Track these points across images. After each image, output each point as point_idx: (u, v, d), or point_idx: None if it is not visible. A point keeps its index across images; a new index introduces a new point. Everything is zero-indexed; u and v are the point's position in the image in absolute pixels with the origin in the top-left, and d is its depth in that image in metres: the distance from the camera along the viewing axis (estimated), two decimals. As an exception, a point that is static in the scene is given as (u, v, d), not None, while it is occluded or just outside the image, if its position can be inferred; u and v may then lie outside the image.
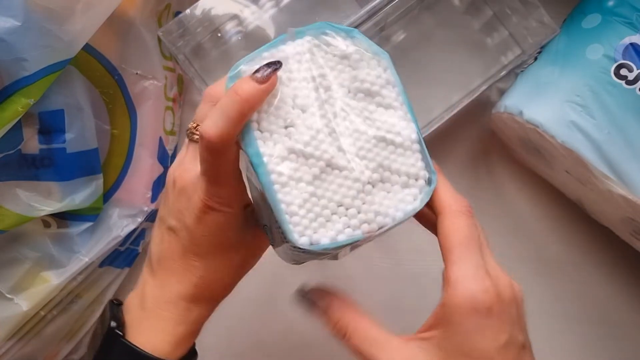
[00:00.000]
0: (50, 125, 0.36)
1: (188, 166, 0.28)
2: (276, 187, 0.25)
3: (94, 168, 0.39)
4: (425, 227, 0.31)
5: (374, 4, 0.40)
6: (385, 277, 0.45)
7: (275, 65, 0.26)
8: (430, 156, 0.30)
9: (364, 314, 0.28)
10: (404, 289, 0.45)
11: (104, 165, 0.40)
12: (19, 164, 0.36)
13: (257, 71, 0.26)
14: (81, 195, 0.38)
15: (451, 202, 0.27)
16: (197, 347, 0.36)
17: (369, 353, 0.26)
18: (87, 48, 0.38)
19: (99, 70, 0.39)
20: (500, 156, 0.46)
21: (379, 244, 0.46)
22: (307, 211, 0.25)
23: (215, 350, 0.45)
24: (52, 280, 0.38)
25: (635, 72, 0.35)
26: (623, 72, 0.36)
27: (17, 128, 0.35)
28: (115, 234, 0.40)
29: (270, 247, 0.32)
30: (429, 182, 0.28)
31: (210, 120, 0.24)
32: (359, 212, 0.26)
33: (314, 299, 0.30)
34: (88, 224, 0.40)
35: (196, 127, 0.29)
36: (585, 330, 0.45)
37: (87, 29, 0.35)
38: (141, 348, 0.27)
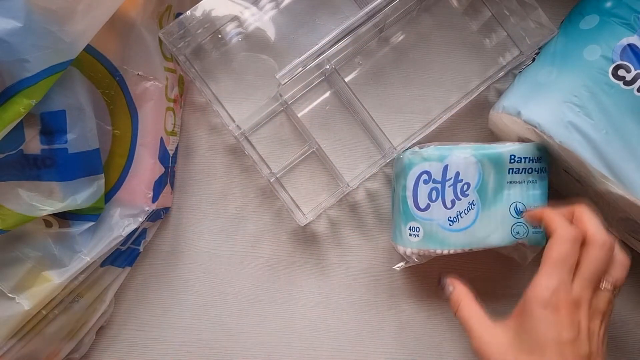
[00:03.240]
0: (51, 125, 0.36)
1: None
2: None
3: (96, 168, 0.39)
4: None
5: (373, 5, 0.40)
6: (384, 276, 0.46)
7: None
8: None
9: (474, 298, 0.36)
10: (403, 288, 0.46)
11: (106, 166, 0.41)
12: (21, 164, 0.36)
13: None
14: (83, 195, 0.38)
15: (559, 227, 0.33)
16: (196, 347, 0.36)
17: (469, 324, 0.35)
18: (89, 49, 0.38)
19: (100, 71, 0.39)
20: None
21: (379, 244, 0.46)
22: None
23: (216, 348, 0.45)
24: (53, 280, 0.38)
25: (633, 72, 0.36)
26: (621, 72, 0.36)
27: (19, 128, 0.35)
28: (117, 234, 0.40)
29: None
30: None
31: None
32: None
33: (446, 283, 0.38)
34: (89, 224, 0.40)
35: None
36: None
37: (89, 30, 0.35)
38: None
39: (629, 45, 0.36)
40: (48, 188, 0.37)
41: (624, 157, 0.35)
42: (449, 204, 0.39)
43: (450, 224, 0.39)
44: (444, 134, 0.46)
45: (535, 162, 0.39)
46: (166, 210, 0.46)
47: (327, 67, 0.44)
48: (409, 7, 0.45)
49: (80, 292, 0.41)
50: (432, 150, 0.39)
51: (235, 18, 0.45)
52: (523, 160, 0.39)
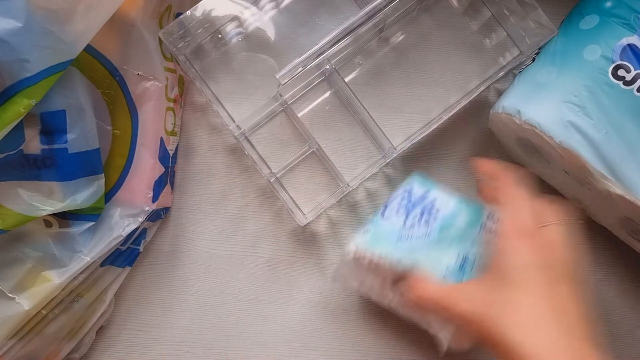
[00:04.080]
0: (51, 125, 0.36)
1: None
2: None
3: (96, 168, 0.39)
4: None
5: (373, 5, 0.40)
6: (385, 276, 0.46)
7: None
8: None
9: (429, 280, 0.35)
10: (403, 288, 0.46)
11: (106, 166, 0.41)
12: (21, 164, 0.36)
13: None
14: (83, 195, 0.38)
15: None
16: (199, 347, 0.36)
17: (436, 299, 0.33)
18: (89, 49, 0.38)
19: (100, 71, 0.39)
20: (499, 157, 0.46)
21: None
22: None
23: (216, 348, 0.45)
24: (53, 280, 0.38)
25: (633, 72, 0.36)
26: (621, 72, 0.36)
27: (19, 128, 0.35)
28: (117, 234, 0.40)
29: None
30: None
31: None
32: None
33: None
34: (89, 224, 0.40)
35: None
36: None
37: (89, 30, 0.35)
38: None
39: (628, 45, 0.36)
40: (48, 188, 0.37)
41: (623, 157, 0.35)
42: (408, 223, 0.38)
43: (398, 238, 0.38)
44: (444, 134, 0.46)
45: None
46: (166, 210, 0.46)
47: (327, 67, 0.44)
48: (409, 7, 0.45)
49: (80, 292, 0.41)
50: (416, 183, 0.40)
51: (235, 18, 0.45)
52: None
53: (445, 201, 0.38)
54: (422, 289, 0.34)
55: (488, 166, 0.37)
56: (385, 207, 0.39)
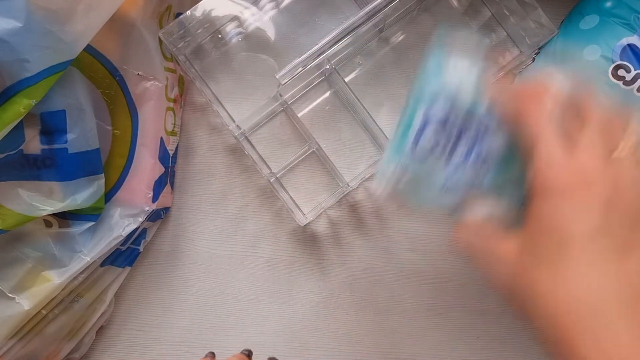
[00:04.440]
0: (51, 125, 0.36)
1: None
2: None
3: (96, 168, 0.39)
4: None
5: (373, 5, 0.40)
6: (384, 276, 0.46)
7: None
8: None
9: (472, 223, 0.28)
10: (403, 288, 0.46)
11: (106, 166, 0.41)
12: (21, 164, 0.36)
13: None
14: (83, 195, 0.38)
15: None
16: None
17: (473, 250, 0.26)
18: (89, 49, 0.38)
19: (100, 71, 0.39)
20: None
21: (379, 244, 0.46)
22: None
23: (216, 348, 0.45)
24: (53, 280, 0.38)
25: (633, 72, 0.36)
26: (621, 72, 0.36)
27: (19, 129, 0.35)
28: (117, 234, 0.40)
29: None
30: None
31: None
32: None
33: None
34: (89, 224, 0.40)
35: None
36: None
37: (89, 30, 0.35)
38: None
39: (628, 45, 0.36)
40: (48, 188, 0.37)
41: None
42: (449, 160, 0.29)
43: (441, 182, 0.29)
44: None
45: None
46: (166, 210, 0.46)
47: (327, 67, 0.44)
48: (409, 7, 0.45)
49: (80, 292, 0.41)
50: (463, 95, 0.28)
51: (235, 18, 0.45)
52: None
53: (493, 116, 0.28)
54: (464, 240, 0.27)
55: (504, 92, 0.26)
56: (423, 128, 0.28)
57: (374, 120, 0.43)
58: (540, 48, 0.41)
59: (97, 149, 0.39)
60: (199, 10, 0.43)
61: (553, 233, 0.23)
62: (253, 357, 0.38)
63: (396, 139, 0.30)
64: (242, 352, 0.36)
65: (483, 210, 0.29)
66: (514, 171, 0.28)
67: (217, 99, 0.45)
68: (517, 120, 0.25)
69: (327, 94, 0.46)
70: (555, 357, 0.23)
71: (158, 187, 0.43)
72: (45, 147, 0.36)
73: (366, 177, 0.44)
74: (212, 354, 0.37)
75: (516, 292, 0.24)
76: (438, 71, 0.29)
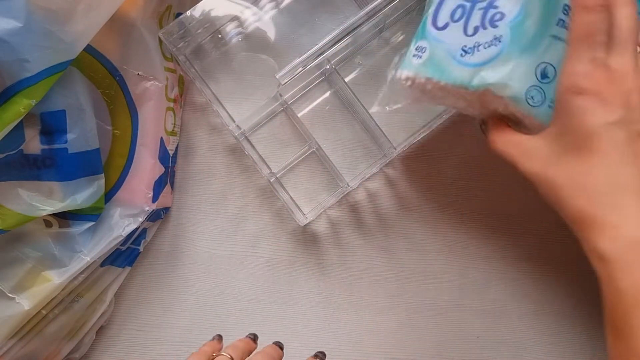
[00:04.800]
0: (51, 125, 0.36)
1: None
2: None
3: (96, 168, 0.39)
4: None
5: (373, 5, 0.40)
6: (385, 276, 0.46)
7: None
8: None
9: (506, 127, 0.32)
10: (403, 288, 0.46)
11: (106, 166, 0.41)
12: (21, 164, 0.36)
13: None
14: (83, 195, 0.38)
15: None
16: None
17: (509, 155, 0.30)
18: (89, 49, 0.38)
19: (100, 71, 0.39)
20: (498, 157, 0.46)
21: (379, 244, 0.46)
22: None
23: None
24: (53, 280, 0.38)
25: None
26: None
27: (19, 129, 0.35)
28: (117, 234, 0.40)
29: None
30: None
31: None
32: None
33: (482, 125, 0.34)
34: (89, 224, 0.40)
35: None
36: (586, 330, 0.45)
37: (89, 30, 0.35)
38: None
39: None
40: (48, 188, 0.37)
41: None
42: (470, 30, 0.30)
43: (462, 54, 0.31)
44: (445, 133, 0.46)
45: None
46: (166, 210, 0.46)
47: (327, 67, 0.44)
48: (409, 7, 0.45)
49: (80, 292, 0.41)
50: None
51: (235, 18, 0.45)
52: None
53: None
54: (491, 141, 0.31)
55: None
56: (437, 10, 0.31)
57: (374, 120, 0.43)
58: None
59: (97, 149, 0.39)
60: (199, 10, 0.43)
61: (580, 126, 0.26)
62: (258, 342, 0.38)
63: (418, 29, 0.32)
64: (247, 337, 0.36)
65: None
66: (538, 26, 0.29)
67: (217, 99, 0.45)
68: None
69: (327, 94, 0.46)
70: (578, 234, 0.27)
71: (158, 187, 0.43)
72: (45, 147, 0.36)
73: (366, 177, 0.44)
74: (220, 337, 0.36)
75: (547, 184, 0.28)
76: None
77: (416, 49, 0.32)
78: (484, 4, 0.30)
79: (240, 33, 0.46)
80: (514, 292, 0.45)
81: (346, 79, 0.45)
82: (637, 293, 0.25)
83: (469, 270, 0.45)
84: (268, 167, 0.44)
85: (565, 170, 0.27)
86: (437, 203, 0.46)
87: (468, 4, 0.30)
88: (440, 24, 0.31)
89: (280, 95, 0.45)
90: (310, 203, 0.45)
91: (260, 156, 0.44)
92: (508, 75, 0.30)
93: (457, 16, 0.31)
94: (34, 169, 0.36)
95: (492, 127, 0.32)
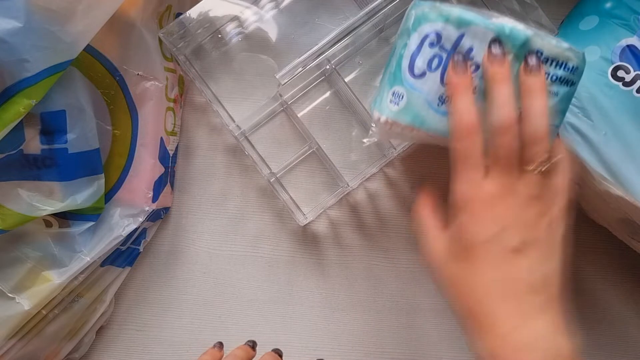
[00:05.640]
0: (52, 125, 0.36)
1: None
2: None
3: (96, 168, 0.39)
4: None
5: (373, 5, 0.40)
6: (385, 276, 0.46)
7: None
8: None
9: (433, 206, 0.34)
10: (403, 288, 0.46)
11: (106, 166, 0.41)
12: (21, 164, 0.36)
13: None
14: (83, 195, 0.38)
15: (454, 114, 0.30)
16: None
17: (421, 231, 0.33)
18: (89, 49, 0.38)
19: (100, 71, 0.39)
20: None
21: (379, 244, 0.46)
22: None
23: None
24: (53, 280, 0.38)
25: (632, 73, 0.36)
26: (620, 74, 0.36)
27: (19, 129, 0.35)
28: (117, 234, 0.40)
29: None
30: None
31: None
32: None
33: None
34: (90, 224, 0.40)
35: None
36: (585, 330, 0.45)
37: (89, 30, 0.35)
38: None
39: (628, 46, 0.36)
40: (48, 188, 0.37)
41: (623, 158, 0.35)
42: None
43: (439, 104, 0.31)
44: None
45: (565, 71, 0.30)
46: (166, 210, 0.46)
47: (327, 67, 0.44)
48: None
49: (80, 292, 0.41)
50: (455, 11, 0.30)
51: (235, 18, 0.45)
52: (552, 63, 0.30)
53: (482, 43, 0.30)
54: (417, 208, 0.34)
55: None
56: (414, 57, 0.32)
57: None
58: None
59: (97, 149, 0.39)
60: (198, 10, 0.43)
61: (462, 238, 0.30)
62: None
63: (388, 72, 0.33)
64: (246, 344, 0.37)
65: None
66: None
67: (217, 99, 0.45)
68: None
69: (327, 94, 0.46)
70: (465, 329, 0.30)
71: (158, 187, 0.43)
72: (45, 147, 0.36)
73: (366, 177, 0.44)
74: (220, 344, 0.38)
75: (441, 280, 0.31)
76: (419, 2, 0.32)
77: (393, 94, 0.33)
78: (460, 56, 0.31)
79: (240, 33, 0.46)
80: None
81: (346, 79, 0.45)
82: None
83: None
84: (268, 167, 0.44)
85: (457, 271, 0.30)
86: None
87: (444, 54, 0.31)
88: (417, 71, 0.32)
89: (280, 95, 0.45)
90: (310, 203, 0.45)
91: (260, 156, 0.44)
92: (482, 127, 0.31)
93: (433, 65, 0.31)
94: (34, 169, 0.36)
95: (420, 203, 0.34)
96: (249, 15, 0.45)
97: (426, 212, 0.34)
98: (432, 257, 0.32)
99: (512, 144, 0.29)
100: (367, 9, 0.40)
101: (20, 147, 0.35)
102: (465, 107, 0.29)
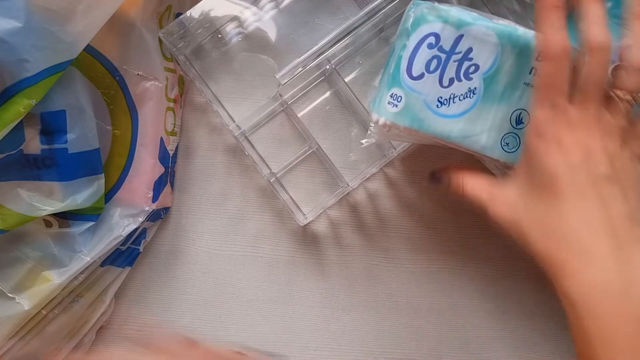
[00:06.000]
0: (51, 125, 0.36)
1: None
2: None
3: (96, 168, 0.39)
4: None
5: (373, 5, 0.40)
6: (385, 276, 0.46)
7: None
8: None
9: (473, 172, 0.32)
10: (403, 288, 0.46)
11: (106, 166, 0.41)
12: (21, 164, 0.36)
13: None
14: (83, 195, 0.38)
15: (543, 37, 0.28)
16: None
17: (479, 198, 0.31)
18: (89, 49, 0.38)
19: (100, 71, 0.39)
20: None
21: (379, 244, 0.46)
22: None
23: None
24: (53, 280, 0.38)
25: (633, 73, 0.36)
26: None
27: (19, 129, 0.35)
28: (117, 234, 0.40)
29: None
30: None
31: None
32: None
33: (440, 177, 0.35)
34: (89, 224, 0.40)
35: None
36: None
37: (89, 30, 0.35)
38: None
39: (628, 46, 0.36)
40: (48, 188, 0.37)
41: None
42: (445, 82, 0.31)
43: (438, 106, 0.32)
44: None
45: None
46: (166, 210, 0.46)
47: (327, 67, 0.44)
48: (409, 7, 0.45)
49: (80, 292, 0.41)
50: (454, 11, 0.31)
51: (235, 18, 0.45)
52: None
53: (482, 44, 0.31)
54: (460, 187, 0.32)
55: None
56: (412, 59, 0.32)
57: (374, 121, 0.43)
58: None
59: (97, 149, 0.39)
60: (199, 10, 0.43)
61: (542, 168, 0.28)
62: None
63: (387, 74, 0.33)
64: (237, 352, 0.37)
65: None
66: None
67: (217, 99, 0.45)
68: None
69: (327, 94, 0.46)
70: (548, 275, 0.28)
71: (158, 187, 0.43)
72: (45, 147, 0.36)
73: (366, 177, 0.44)
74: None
75: (516, 228, 0.29)
76: (417, 5, 0.32)
77: (391, 96, 0.33)
78: (459, 56, 0.31)
79: (240, 33, 0.46)
80: (514, 292, 0.45)
81: (346, 79, 0.45)
82: (603, 336, 0.26)
83: (468, 270, 0.45)
84: (268, 167, 0.44)
85: (532, 214, 0.28)
86: (437, 203, 0.46)
87: (443, 56, 0.31)
88: (415, 73, 0.32)
89: (280, 95, 0.45)
90: (310, 203, 0.45)
91: (260, 156, 0.44)
92: (480, 128, 0.32)
93: (432, 67, 0.31)
94: (34, 169, 0.36)
95: (459, 175, 0.33)
96: (249, 15, 0.45)
97: (469, 177, 0.32)
98: (505, 211, 0.29)
99: (604, 68, 0.27)
100: (367, 9, 0.40)
101: (20, 147, 0.35)
102: (557, 26, 0.27)
